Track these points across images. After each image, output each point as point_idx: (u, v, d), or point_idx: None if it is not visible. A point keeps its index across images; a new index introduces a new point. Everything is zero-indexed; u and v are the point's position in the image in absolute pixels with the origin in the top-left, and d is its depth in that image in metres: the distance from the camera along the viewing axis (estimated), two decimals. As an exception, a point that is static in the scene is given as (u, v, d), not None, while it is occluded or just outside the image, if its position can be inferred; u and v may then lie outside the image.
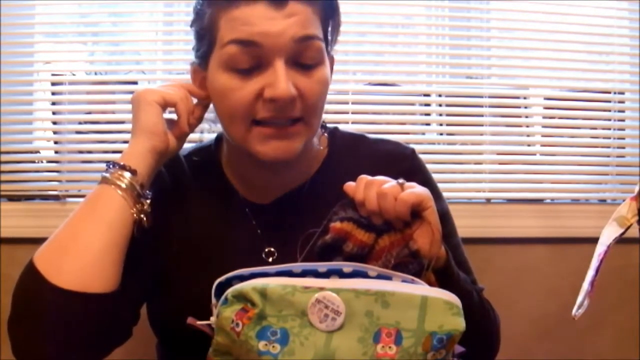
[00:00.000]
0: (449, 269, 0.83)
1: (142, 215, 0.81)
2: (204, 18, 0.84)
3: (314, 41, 0.82)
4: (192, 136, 0.91)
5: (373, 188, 0.76)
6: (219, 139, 0.97)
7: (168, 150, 0.86)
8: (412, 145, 0.99)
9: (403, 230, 0.77)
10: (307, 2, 0.82)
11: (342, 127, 1.02)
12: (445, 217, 0.90)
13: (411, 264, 0.76)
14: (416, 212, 0.77)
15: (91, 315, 0.76)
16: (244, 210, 0.92)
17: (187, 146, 0.95)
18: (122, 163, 0.81)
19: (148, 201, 0.82)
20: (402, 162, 0.95)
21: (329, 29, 0.87)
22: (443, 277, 0.79)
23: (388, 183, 0.77)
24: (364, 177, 0.78)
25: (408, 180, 0.79)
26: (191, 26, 0.88)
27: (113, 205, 0.79)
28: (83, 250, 0.77)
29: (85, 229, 0.78)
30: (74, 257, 0.76)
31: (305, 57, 0.82)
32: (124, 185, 0.80)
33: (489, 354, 0.93)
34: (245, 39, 0.79)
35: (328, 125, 1.00)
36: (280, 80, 0.79)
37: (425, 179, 0.92)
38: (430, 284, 0.76)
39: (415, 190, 0.77)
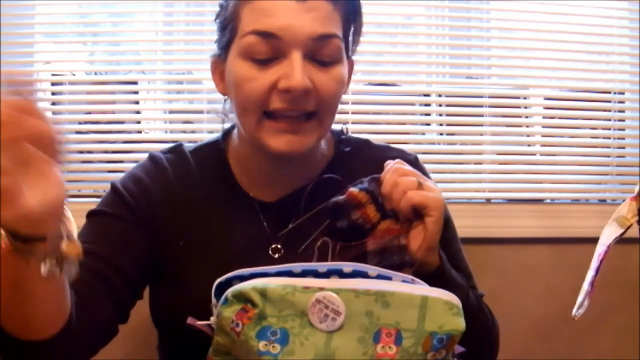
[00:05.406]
0: (441, 277, 0.82)
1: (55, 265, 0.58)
2: (227, 9, 0.85)
3: (333, 39, 0.83)
4: (207, 127, 0.91)
5: (395, 175, 0.78)
6: (226, 134, 0.97)
7: None
8: (412, 146, 1.00)
9: (403, 223, 0.79)
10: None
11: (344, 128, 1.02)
12: (447, 223, 0.90)
13: (396, 255, 0.78)
14: (421, 214, 0.78)
15: (58, 352, 0.71)
16: (252, 205, 0.91)
17: (193, 143, 0.98)
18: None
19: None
20: None
21: (351, 30, 0.89)
22: (433, 283, 0.78)
23: (410, 177, 0.79)
24: (398, 162, 0.81)
25: None
26: (215, 19, 0.89)
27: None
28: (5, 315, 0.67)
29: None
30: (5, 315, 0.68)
31: (323, 54, 0.82)
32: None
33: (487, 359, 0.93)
34: (265, 30, 0.80)
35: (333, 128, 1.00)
36: (296, 71, 0.79)
37: None
38: None
39: (427, 193, 0.78)
